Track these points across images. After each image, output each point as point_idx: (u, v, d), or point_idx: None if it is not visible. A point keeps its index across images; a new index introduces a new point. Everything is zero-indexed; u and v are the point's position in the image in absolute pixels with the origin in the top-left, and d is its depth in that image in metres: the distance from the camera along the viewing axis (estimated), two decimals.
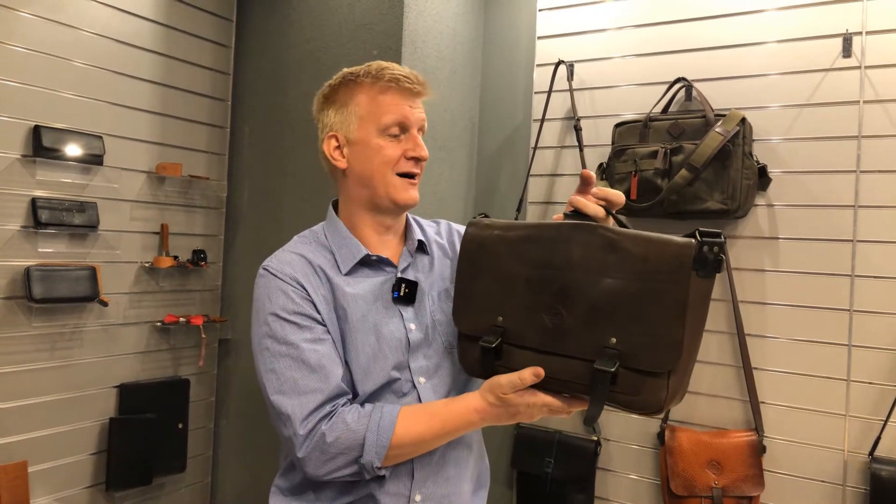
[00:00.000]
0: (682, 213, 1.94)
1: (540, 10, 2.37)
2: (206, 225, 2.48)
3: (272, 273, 1.13)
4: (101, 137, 2.08)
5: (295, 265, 1.13)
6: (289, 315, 1.09)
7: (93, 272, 2.03)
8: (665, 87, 2.08)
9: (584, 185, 1.03)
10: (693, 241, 0.90)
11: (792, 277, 1.96)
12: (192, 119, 2.41)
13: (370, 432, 1.04)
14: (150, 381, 2.27)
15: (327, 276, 1.14)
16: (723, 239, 0.89)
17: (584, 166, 2.22)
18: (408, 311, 1.16)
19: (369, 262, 1.18)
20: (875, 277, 1.85)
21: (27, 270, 1.88)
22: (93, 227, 2.06)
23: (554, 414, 1.03)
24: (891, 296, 1.83)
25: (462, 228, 1.33)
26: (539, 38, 2.37)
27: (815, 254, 1.93)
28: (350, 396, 1.10)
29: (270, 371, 1.08)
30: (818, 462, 1.91)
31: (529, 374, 0.99)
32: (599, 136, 2.24)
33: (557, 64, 2.28)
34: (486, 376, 1.06)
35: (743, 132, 1.89)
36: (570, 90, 2.27)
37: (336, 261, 1.16)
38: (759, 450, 1.91)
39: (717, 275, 0.93)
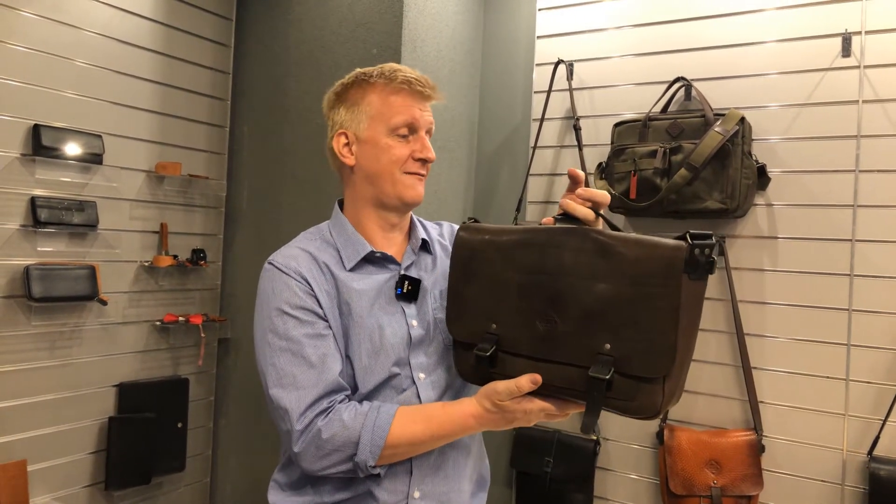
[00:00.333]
0: (682, 212, 1.94)
1: (539, 10, 2.37)
2: (206, 224, 2.48)
3: (277, 267, 1.14)
4: (100, 136, 2.08)
5: (300, 260, 1.14)
6: (292, 309, 1.10)
7: (92, 271, 2.03)
8: (664, 86, 2.09)
9: (573, 184, 1.04)
10: (684, 243, 0.89)
11: (791, 277, 1.96)
12: (192, 118, 2.41)
13: (365, 431, 1.04)
14: (149, 381, 2.27)
15: (332, 272, 1.15)
16: (713, 241, 0.89)
17: (583, 166, 2.22)
18: (410, 308, 1.18)
19: (373, 259, 1.19)
20: (874, 277, 1.85)
21: (26, 269, 1.88)
22: (92, 226, 2.06)
23: (550, 419, 1.04)
24: (890, 295, 1.83)
25: None
26: (538, 37, 2.37)
27: (814, 253, 1.93)
28: (348, 392, 1.11)
29: (271, 365, 1.09)
30: (817, 461, 1.91)
31: (527, 381, 0.99)
32: (599, 136, 2.24)
33: (557, 63, 2.28)
34: (482, 383, 1.06)
35: (742, 132, 1.89)
36: (570, 90, 2.27)
37: (341, 257, 1.17)
38: (758, 449, 1.91)
39: (716, 274, 0.93)
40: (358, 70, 1.20)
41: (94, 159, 2.06)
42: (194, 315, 2.36)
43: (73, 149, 2.00)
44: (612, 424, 2.19)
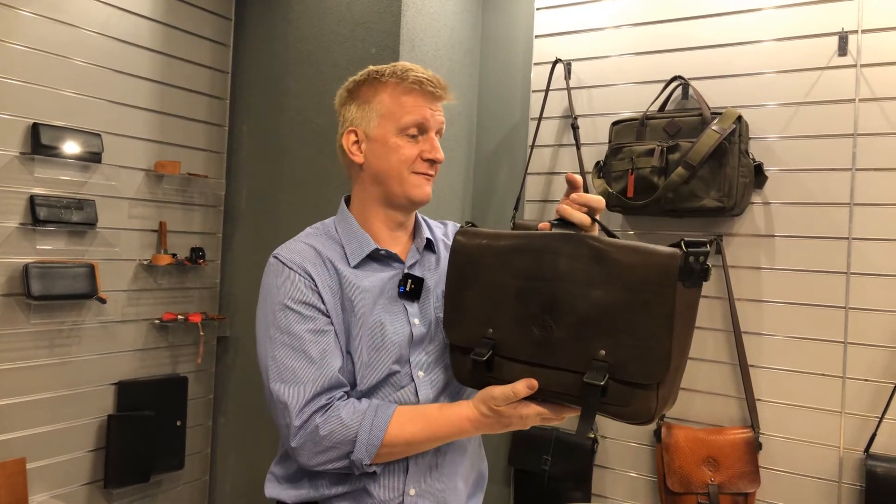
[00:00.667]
0: (679, 210, 1.95)
1: (538, 9, 2.37)
2: (205, 223, 2.49)
3: (282, 262, 1.14)
4: (99, 135, 2.08)
5: (305, 255, 1.15)
6: (294, 304, 1.11)
7: (91, 269, 2.04)
8: (662, 85, 2.09)
9: (570, 189, 1.05)
10: (679, 251, 0.90)
11: (788, 275, 1.96)
12: (191, 117, 2.42)
13: (363, 430, 1.05)
14: (148, 379, 2.27)
15: (336, 267, 1.16)
16: (708, 248, 0.89)
17: (581, 164, 2.23)
18: (413, 307, 1.18)
19: (378, 257, 1.20)
20: (871, 275, 1.86)
21: (26, 267, 1.89)
22: (91, 224, 2.06)
23: (546, 423, 1.05)
24: (886, 293, 1.84)
25: None
26: (536, 36, 2.38)
27: (810, 251, 1.93)
28: (347, 389, 1.12)
29: (271, 359, 1.10)
30: (814, 459, 1.91)
31: (523, 386, 1.00)
32: (597, 135, 2.24)
33: (555, 63, 2.29)
34: (479, 388, 1.07)
35: (739, 130, 1.89)
36: (568, 89, 2.28)
37: (345, 254, 1.18)
38: (755, 447, 1.92)
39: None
40: (370, 67, 1.20)
41: (93, 158, 2.07)
42: (193, 313, 2.37)
43: (72, 147, 2.00)
44: (611, 423, 2.20)
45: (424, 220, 1.30)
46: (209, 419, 2.54)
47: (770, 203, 1.99)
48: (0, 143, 1.87)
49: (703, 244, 0.89)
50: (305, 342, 1.09)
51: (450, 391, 1.20)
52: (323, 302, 1.12)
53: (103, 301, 2.09)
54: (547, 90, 2.31)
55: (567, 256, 0.98)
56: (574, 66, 2.29)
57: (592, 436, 2.17)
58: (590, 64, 2.27)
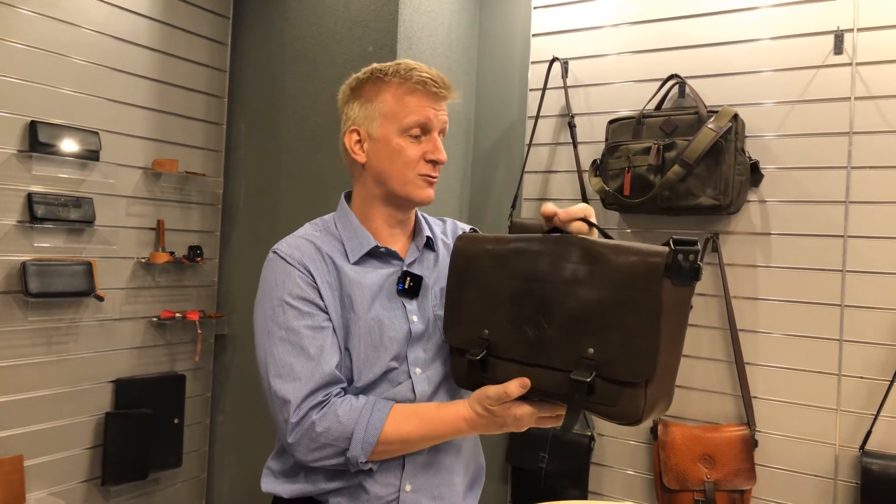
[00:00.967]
0: (675, 208, 1.95)
1: (535, 8, 2.38)
2: (203, 221, 2.49)
3: (281, 257, 1.14)
4: (97, 133, 2.09)
5: (304, 251, 1.15)
6: (293, 300, 1.11)
7: (89, 267, 2.04)
8: (658, 83, 2.10)
9: (548, 221, 1.04)
10: (667, 249, 0.91)
11: (784, 273, 1.97)
12: (189, 115, 2.42)
13: (359, 428, 1.05)
14: (145, 377, 2.28)
15: (335, 263, 1.16)
16: (698, 247, 0.90)
17: (577, 163, 2.23)
18: (411, 304, 1.18)
19: (377, 254, 1.20)
20: (866, 273, 1.86)
21: (23, 265, 1.89)
22: (89, 222, 2.07)
23: (543, 424, 1.05)
24: (881, 291, 1.84)
25: (465, 227, 1.36)
26: (534, 35, 2.38)
27: (806, 249, 1.94)
28: (345, 385, 1.12)
29: (269, 354, 1.10)
30: (810, 456, 1.92)
31: (516, 385, 1.00)
32: (594, 133, 2.25)
33: (552, 61, 2.29)
34: (475, 388, 1.08)
35: (735, 128, 1.90)
36: (565, 87, 2.29)
37: (345, 250, 1.18)
38: (750, 444, 1.92)
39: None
40: (374, 65, 1.19)
41: (90, 156, 2.07)
42: (191, 311, 2.37)
43: (69, 145, 2.01)
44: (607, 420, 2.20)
45: (424, 218, 1.30)
46: (207, 417, 2.55)
47: (766, 201, 2.00)
48: None
49: (693, 242, 0.89)
50: (303, 338, 1.09)
51: (446, 387, 1.20)
52: (321, 298, 1.12)
53: (101, 299, 2.09)
54: (544, 89, 2.31)
55: (559, 257, 0.99)
56: (571, 64, 2.30)
57: (589, 434, 2.17)
58: (586, 62, 2.28)
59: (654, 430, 2.04)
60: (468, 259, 1.10)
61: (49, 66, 1.98)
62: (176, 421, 2.34)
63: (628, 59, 2.21)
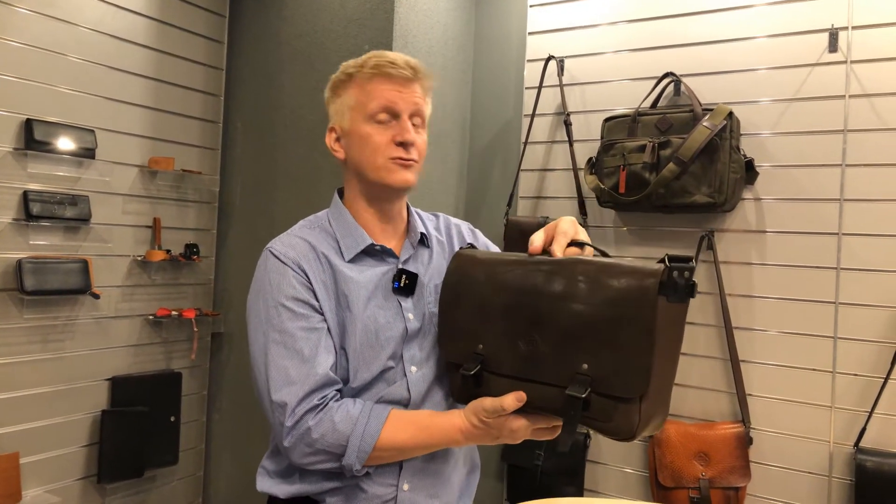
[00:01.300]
0: (670, 206, 1.96)
1: (531, 6, 2.38)
2: (199, 219, 2.49)
3: (276, 256, 1.13)
4: (93, 131, 2.09)
5: (299, 249, 1.14)
6: (287, 300, 1.10)
7: (85, 265, 2.04)
8: (654, 81, 2.10)
9: (531, 251, 1.05)
10: (662, 266, 0.91)
11: (779, 270, 1.97)
12: (185, 114, 2.42)
13: (354, 436, 1.05)
14: (142, 374, 2.28)
15: (330, 262, 1.15)
16: (693, 264, 0.90)
17: (573, 160, 2.24)
18: (407, 302, 1.18)
19: (372, 252, 1.19)
20: (860, 270, 1.87)
21: (19, 263, 1.89)
22: (85, 220, 2.07)
23: (539, 436, 1.05)
24: (876, 288, 1.85)
25: (459, 222, 1.36)
26: (530, 33, 2.38)
27: (801, 247, 1.94)
28: (340, 387, 1.11)
29: (263, 356, 1.09)
30: (804, 453, 1.92)
31: (512, 399, 1.00)
32: (589, 131, 2.25)
33: (548, 59, 2.29)
34: (469, 402, 1.08)
35: (730, 126, 1.90)
36: (561, 85, 2.29)
37: (339, 247, 1.17)
38: (745, 441, 1.93)
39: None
40: (343, 63, 1.20)
41: (86, 154, 2.07)
42: (187, 309, 2.37)
43: (65, 143, 2.01)
44: None
45: (418, 213, 1.29)
46: (203, 415, 2.55)
47: (761, 199, 2.00)
48: None
49: (688, 259, 0.90)
50: (298, 340, 1.08)
51: (442, 385, 1.19)
52: (316, 298, 1.11)
53: (97, 296, 2.09)
54: (540, 87, 2.31)
55: (553, 273, 1.00)
56: (567, 62, 2.30)
57: (585, 431, 2.17)
58: (582, 61, 2.28)
59: None
60: (463, 274, 1.11)
61: (45, 63, 1.98)
62: (172, 419, 2.34)
63: (624, 57, 2.21)
